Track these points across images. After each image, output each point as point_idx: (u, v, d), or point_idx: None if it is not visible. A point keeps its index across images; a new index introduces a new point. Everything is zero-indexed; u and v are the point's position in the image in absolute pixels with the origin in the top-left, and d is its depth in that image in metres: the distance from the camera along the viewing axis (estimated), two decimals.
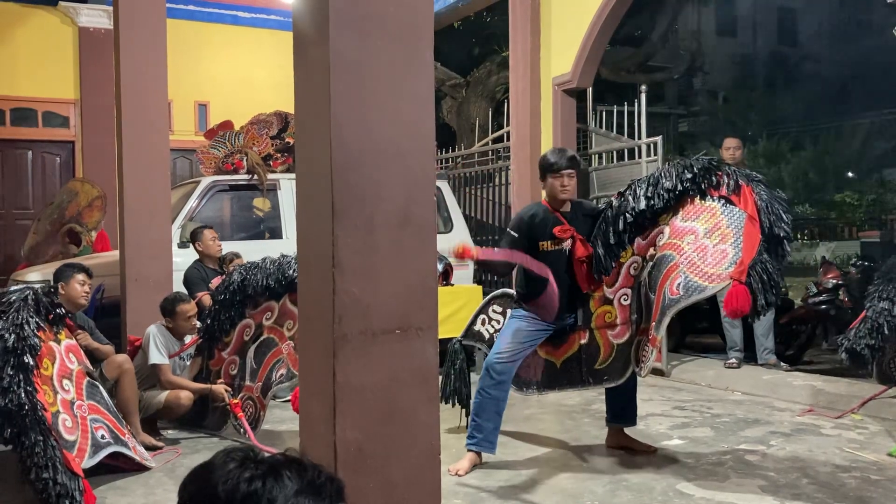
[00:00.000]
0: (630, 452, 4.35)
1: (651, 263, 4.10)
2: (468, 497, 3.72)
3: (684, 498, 3.65)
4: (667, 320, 3.97)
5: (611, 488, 3.79)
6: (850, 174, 22.07)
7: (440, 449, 2.56)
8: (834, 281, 6.93)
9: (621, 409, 4.43)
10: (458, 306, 6.66)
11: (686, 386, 6.22)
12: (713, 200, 3.96)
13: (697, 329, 7.88)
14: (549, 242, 4.13)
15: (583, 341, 4.29)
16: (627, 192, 4.10)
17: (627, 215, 4.02)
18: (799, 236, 22.34)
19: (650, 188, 4.02)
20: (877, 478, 3.86)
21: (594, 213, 4.26)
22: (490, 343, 4.57)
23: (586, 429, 4.92)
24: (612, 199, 4.22)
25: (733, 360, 6.42)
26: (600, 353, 4.27)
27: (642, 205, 3.99)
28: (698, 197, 3.98)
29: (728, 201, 3.92)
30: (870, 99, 25.37)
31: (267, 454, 1.16)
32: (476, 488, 3.83)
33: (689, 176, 3.94)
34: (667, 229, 4.06)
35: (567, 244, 4.14)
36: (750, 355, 6.56)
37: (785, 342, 7.11)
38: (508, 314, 4.51)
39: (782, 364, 6.46)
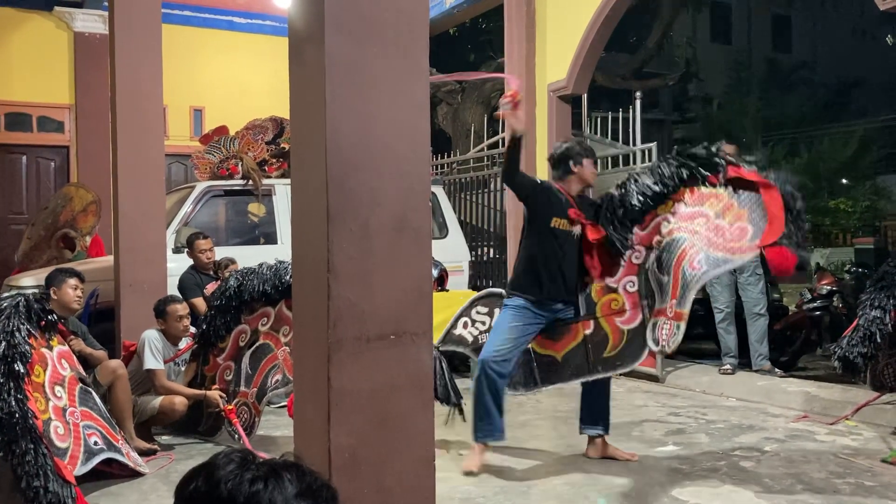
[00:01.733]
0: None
1: (658, 250, 4.11)
2: (463, 503, 3.71)
3: None
4: (692, 294, 3.98)
5: (605, 494, 3.79)
6: (844, 181, 22.13)
7: (435, 455, 2.55)
8: (828, 287, 6.96)
9: (598, 413, 4.38)
10: (453, 312, 6.63)
11: (681, 392, 6.22)
12: (716, 188, 4.01)
13: (692, 335, 7.89)
14: (562, 221, 4.16)
15: (588, 331, 4.23)
16: (629, 182, 4.16)
17: (635, 198, 4.08)
18: None
19: (652, 176, 4.10)
20: (871, 484, 3.87)
21: (594, 205, 4.31)
22: (475, 347, 4.55)
23: (582, 435, 4.90)
24: (612, 189, 4.27)
25: (728, 366, 6.43)
26: (609, 340, 4.21)
27: (647, 190, 4.06)
28: (700, 186, 4.03)
29: (732, 185, 3.98)
30: (864, 105, 25.49)
31: (266, 458, 1.16)
32: (471, 494, 3.82)
33: (689, 165, 4.04)
34: (671, 217, 4.10)
35: (577, 229, 4.18)
36: (744, 361, 6.57)
37: (779, 348, 7.12)
38: (496, 312, 4.48)
39: (777, 370, 6.47)
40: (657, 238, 4.12)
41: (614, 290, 4.21)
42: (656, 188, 4.08)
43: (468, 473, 4.04)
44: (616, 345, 4.21)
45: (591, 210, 4.27)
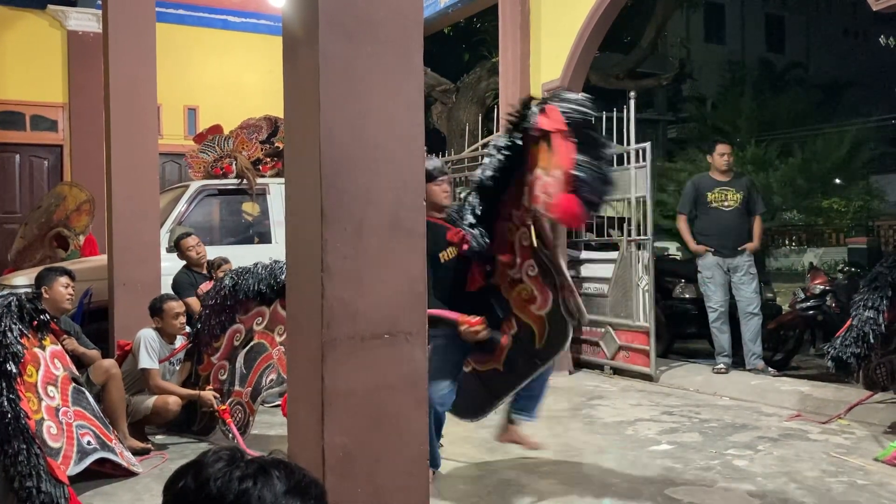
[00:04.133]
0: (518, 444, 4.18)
1: (536, 232, 3.85)
2: (457, 502, 3.71)
3: (672, 503, 3.66)
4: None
5: (599, 493, 3.79)
6: (837, 180, 22.20)
7: (428, 454, 2.55)
8: (822, 287, 6.97)
9: (533, 400, 4.13)
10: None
11: (674, 391, 6.24)
12: (539, 142, 3.78)
13: (685, 334, 7.92)
14: (447, 252, 3.95)
15: (513, 331, 4.01)
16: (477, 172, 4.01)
17: (483, 182, 3.92)
18: (787, 242, 22.47)
19: (490, 155, 3.92)
20: (863, 482, 3.88)
21: (460, 211, 4.10)
22: None
23: (574, 434, 4.92)
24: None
25: (721, 366, 6.45)
26: (534, 331, 3.98)
27: (488, 171, 3.89)
28: (533, 144, 3.80)
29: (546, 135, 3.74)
30: (857, 105, 25.58)
31: (254, 455, 1.16)
32: (465, 493, 3.83)
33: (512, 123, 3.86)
34: (527, 197, 3.82)
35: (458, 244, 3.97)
36: (738, 360, 6.59)
37: (773, 347, 7.15)
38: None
39: (770, 369, 6.49)
40: (526, 215, 3.86)
41: (520, 281, 3.98)
42: (498, 161, 3.87)
43: None
44: (542, 332, 3.96)
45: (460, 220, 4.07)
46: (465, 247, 3.94)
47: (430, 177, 3.91)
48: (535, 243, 3.86)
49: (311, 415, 2.38)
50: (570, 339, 4.01)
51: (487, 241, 3.94)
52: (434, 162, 4.13)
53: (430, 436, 3.80)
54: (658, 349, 6.81)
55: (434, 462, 3.94)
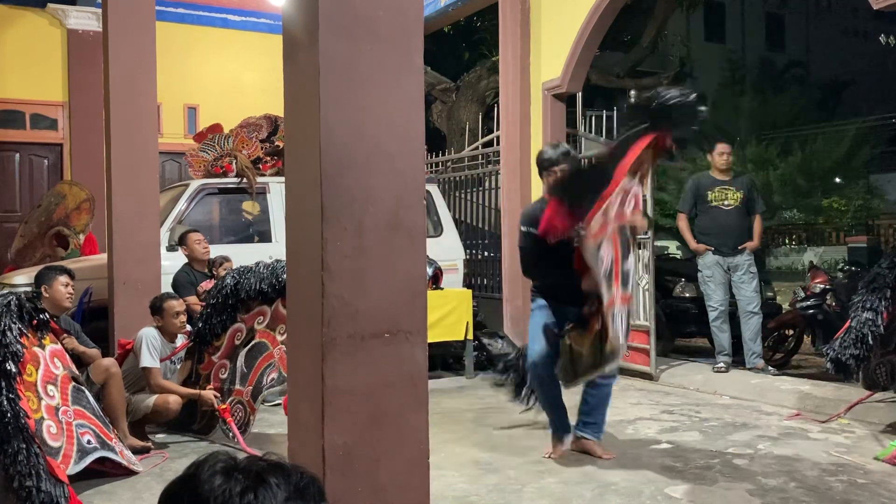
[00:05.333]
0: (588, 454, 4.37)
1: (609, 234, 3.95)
2: (457, 501, 3.71)
3: (672, 501, 3.66)
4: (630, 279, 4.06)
5: (599, 492, 3.79)
6: (837, 179, 22.21)
7: (429, 453, 2.55)
8: (822, 286, 6.98)
9: (597, 418, 4.43)
10: (447, 310, 6.66)
11: (674, 390, 6.24)
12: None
13: (686, 333, 7.92)
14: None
15: (598, 326, 4.07)
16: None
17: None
18: (787, 241, 22.47)
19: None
20: (863, 481, 3.88)
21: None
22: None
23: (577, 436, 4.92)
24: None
25: (721, 365, 6.45)
26: (607, 334, 4.04)
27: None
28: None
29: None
30: (857, 104, 25.58)
31: (246, 460, 1.13)
32: (465, 492, 3.83)
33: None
34: (624, 197, 3.94)
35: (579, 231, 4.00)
36: (738, 359, 6.59)
37: (773, 346, 7.15)
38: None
39: (770, 368, 6.49)
40: (612, 209, 3.95)
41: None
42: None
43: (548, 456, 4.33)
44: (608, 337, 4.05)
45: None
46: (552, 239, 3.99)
47: (542, 166, 4.29)
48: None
49: (312, 413, 2.38)
50: (597, 371, 4.10)
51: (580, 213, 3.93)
52: (550, 149, 4.38)
53: (544, 404, 4.36)
54: (658, 348, 6.81)
55: (563, 428, 4.37)
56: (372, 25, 2.42)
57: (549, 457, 4.35)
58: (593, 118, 7.96)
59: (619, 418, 5.25)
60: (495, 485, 3.94)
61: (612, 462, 4.28)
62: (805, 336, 7.31)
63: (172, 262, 6.24)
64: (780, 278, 14.70)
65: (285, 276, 4.61)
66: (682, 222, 6.85)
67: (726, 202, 6.55)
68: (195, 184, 7.08)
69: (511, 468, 4.20)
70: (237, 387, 4.85)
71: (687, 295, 7.59)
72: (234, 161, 7.17)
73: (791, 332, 7.22)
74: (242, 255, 6.04)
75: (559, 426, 4.39)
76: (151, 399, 4.73)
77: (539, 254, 4.21)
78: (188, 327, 5.11)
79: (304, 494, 1.10)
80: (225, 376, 4.94)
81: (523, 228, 4.28)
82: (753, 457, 4.33)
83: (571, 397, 4.46)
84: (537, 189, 7.58)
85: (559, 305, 4.29)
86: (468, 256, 8.61)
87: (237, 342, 4.94)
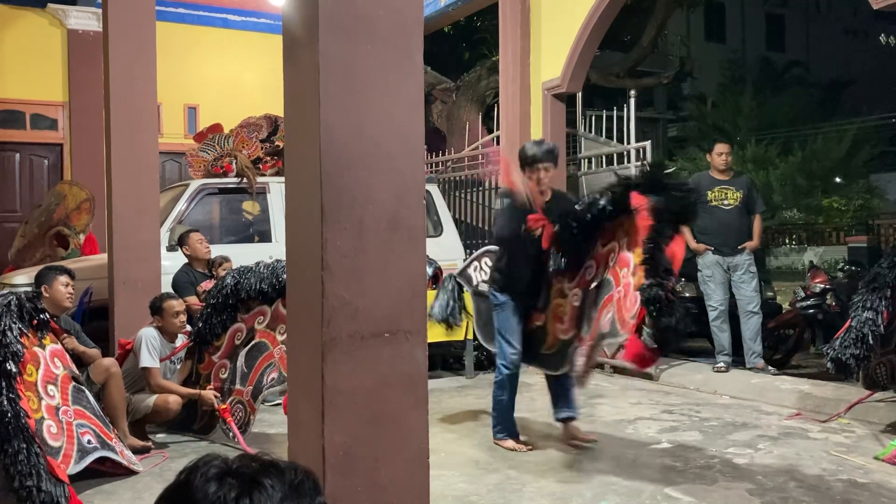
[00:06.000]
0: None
1: (599, 280, 4.29)
2: (457, 501, 3.72)
3: (672, 501, 3.66)
4: (596, 353, 4.41)
5: (599, 492, 3.80)
6: (837, 179, 22.20)
7: (429, 452, 2.55)
8: (822, 285, 6.97)
9: (567, 397, 4.67)
10: None
11: (674, 390, 6.24)
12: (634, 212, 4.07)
13: (686, 333, 7.89)
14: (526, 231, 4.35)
15: (538, 323, 4.52)
16: (594, 196, 4.28)
17: (589, 214, 4.19)
18: (787, 241, 22.46)
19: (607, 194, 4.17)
20: (864, 481, 3.88)
21: (570, 206, 4.38)
22: (475, 290, 5.28)
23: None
24: (585, 197, 4.42)
25: (721, 364, 6.45)
26: (546, 339, 4.50)
27: (599, 205, 4.14)
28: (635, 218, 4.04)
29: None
30: (857, 104, 25.57)
31: (239, 462, 1.12)
32: (465, 492, 3.83)
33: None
34: (614, 256, 4.21)
35: (538, 232, 4.31)
36: (738, 359, 6.58)
37: (773, 346, 7.14)
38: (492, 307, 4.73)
39: (770, 368, 6.49)
40: (604, 266, 4.29)
41: (565, 296, 4.40)
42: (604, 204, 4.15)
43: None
44: (550, 346, 4.49)
45: (565, 207, 4.36)
46: (545, 244, 4.30)
47: (524, 162, 4.39)
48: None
49: (312, 413, 2.38)
50: (558, 373, 4.55)
51: (563, 259, 4.37)
52: (533, 146, 4.45)
53: (503, 405, 4.54)
54: None
55: (514, 426, 4.61)
56: (372, 25, 2.42)
57: (528, 449, 4.49)
58: (593, 118, 7.96)
59: (619, 418, 5.25)
60: (495, 484, 3.94)
61: (612, 462, 4.28)
62: (805, 336, 7.30)
63: (172, 261, 6.24)
64: (780, 278, 14.69)
65: (285, 275, 4.64)
66: None
67: (726, 202, 6.55)
68: (195, 184, 7.08)
69: (511, 468, 4.21)
70: (237, 386, 4.85)
71: (687, 294, 7.58)
72: (235, 161, 7.17)
73: (791, 331, 7.21)
74: (242, 255, 6.04)
75: (512, 425, 4.59)
76: (151, 399, 4.73)
77: (520, 248, 4.39)
78: (188, 327, 5.11)
79: (299, 492, 1.09)
80: (225, 376, 4.94)
81: (511, 227, 4.38)
82: (754, 456, 4.33)
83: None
84: None
85: (519, 300, 4.50)
86: (468, 256, 8.60)
87: (237, 342, 4.94)
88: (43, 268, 5.14)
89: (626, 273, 4.09)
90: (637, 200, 3.90)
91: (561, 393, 4.65)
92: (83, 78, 9.76)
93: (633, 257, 4.06)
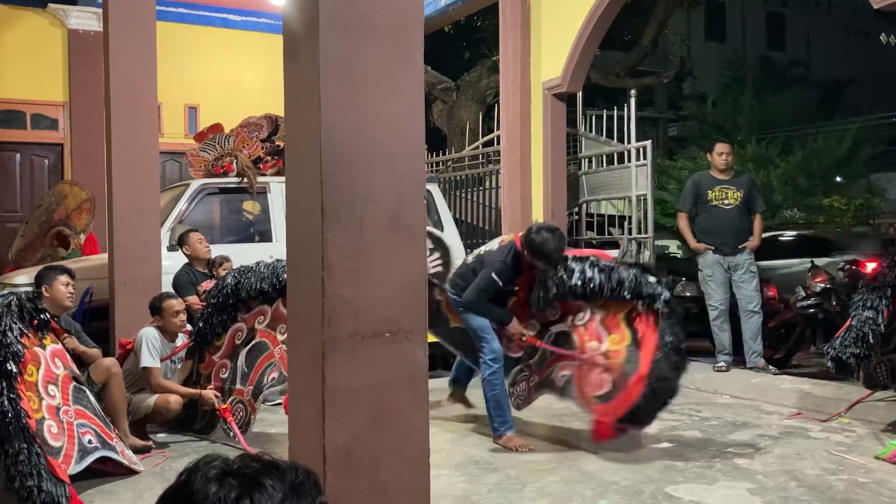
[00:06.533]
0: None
1: (562, 329, 4.69)
2: (458, 500, 3.72)
3: (673, 500, 3.66)
4: (543, 393, 4.88)
5: (600, 491, 3.79)
6: (838, 179, 22.17)
7: (429, 452, 2.55)
8: (822, 285, 6.96)
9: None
10: None
11: None
12: (631, 329, 4.43)
13: (686, 333, 7.89)
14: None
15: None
16: (570, 263, 4.62)
17: (557, 289, 4.62)
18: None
19: (587, 271, 4.55)
20: (864, 480, 3.88)
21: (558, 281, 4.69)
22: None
23: (575, 432, 4.92)
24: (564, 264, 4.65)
25: (722, 364, 6.45)
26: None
27: (573, 282, 4.59)
28: (624, 313, 4.47)
29: (637, 341, 4.37)
30: (858, 103, 25.56)
31: (240, 462, 1.12)
32: (465, 492, 3.83)
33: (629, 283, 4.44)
34: (587, 315, 4.59)
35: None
36: (739, 359, 6.59)
37: (773, 346, 7.14)
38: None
39: (771, 367, 6.49)
40: (570, 319, 4.67)
41: (523, 321, 4.82)
42: (599, 279, 4.52)
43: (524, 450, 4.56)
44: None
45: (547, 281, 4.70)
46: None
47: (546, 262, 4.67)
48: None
49: (313, 413, 2.38)
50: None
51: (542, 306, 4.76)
52: (557, 249, 4.67)
53: (498, 399, 4.69)
54: None
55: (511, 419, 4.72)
56: (372, 24, 2.42)
57: (529, 449, 4.56)
58: (593, 118, 7.96)
59: None
60: (495, 484, 3.94)
61: (612, 461, 4.27)
62: (805, 335, 7.30)
63: (173, 261, 6.24)
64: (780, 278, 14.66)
65: (286, 275, 4.65)
66: (683, 221, 6.84)
67: (726, 201, 6.55)
68: (196, 183, 7.08)
69: (511, 467, 4.20)
70: (238, 386, 4.85)
71: (687, 294, 7.58)
72: (235, 161, 7.17)
73: (792, 331, 7.20)
74: (243, 255, 6.04)
75: (509, 418, 4.67)
76: (152, 399, 4.73)
77: (497, 295, 4.74)
78: (188, 327, 5.11)
79: (300, 492, 1.09)
80: (226, 376, 4.94)
81: (495, 278, 4.64)
82: (754, 456, 4.33)
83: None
84: (537, 189, 7.59)
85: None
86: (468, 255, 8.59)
87: (238, 342, 4.94)
88: (43, 268, 5.14)
89: (596, 347, 4.45)
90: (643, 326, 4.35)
91: (470, 376, 5.23)
92: (83, 78, 9.76)
93: (608, 341, 4.42)
